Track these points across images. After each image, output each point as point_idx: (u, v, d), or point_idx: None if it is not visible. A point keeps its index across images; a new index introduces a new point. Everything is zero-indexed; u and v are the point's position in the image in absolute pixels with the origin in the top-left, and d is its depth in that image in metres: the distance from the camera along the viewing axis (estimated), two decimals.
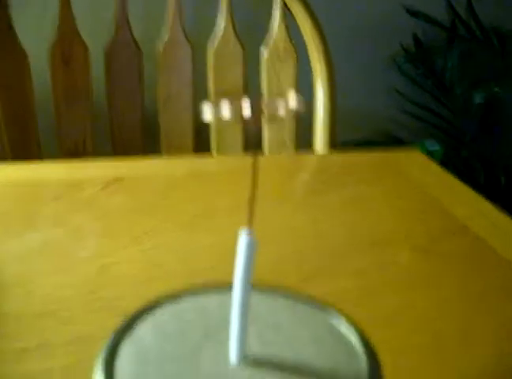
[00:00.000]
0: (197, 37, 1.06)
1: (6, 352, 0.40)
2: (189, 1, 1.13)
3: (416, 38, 1.65)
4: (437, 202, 0.66)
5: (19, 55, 0.96)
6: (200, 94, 1.03)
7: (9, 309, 0.44)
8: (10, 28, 0.95)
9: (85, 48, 1.00)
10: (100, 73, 1.03)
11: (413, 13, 1.63)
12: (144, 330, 0.24)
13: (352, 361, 0.23)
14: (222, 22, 1.02)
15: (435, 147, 1.58)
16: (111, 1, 1.00)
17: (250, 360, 0.23)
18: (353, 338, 0.24)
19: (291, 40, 1.04)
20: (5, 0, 0.93)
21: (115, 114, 1.05)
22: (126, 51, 1.03)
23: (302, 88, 1.01)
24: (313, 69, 1.00)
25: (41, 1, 1.07)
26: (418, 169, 0.76)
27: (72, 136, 1.02)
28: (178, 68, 1.06)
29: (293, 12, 1.03)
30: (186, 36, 1.04)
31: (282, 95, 1.05)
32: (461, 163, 1.60)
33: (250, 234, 0.22)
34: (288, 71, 1.05)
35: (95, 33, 1.00)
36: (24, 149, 0.98)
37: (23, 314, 0.44)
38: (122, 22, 1.01)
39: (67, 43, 0.99)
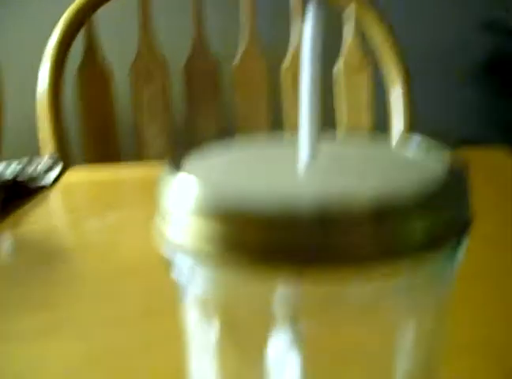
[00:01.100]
0: (272, 53, 1.09)
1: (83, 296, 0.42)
2: (264, 16, 1.16)
3: (494, 51, 1.62)
4: None
5: (102, 72, 1.01)
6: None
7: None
8: (95, 45, 1.00)
9: (165, 63, 1.05)
10: (179, 89, 1.07)
11: (490, 27, 1.60)
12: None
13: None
14: (295, 39, 1.04)
15: None
16: (188, 17, 1.05)
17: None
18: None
19: (365, 53, 1.04)
20: (91, 20, 0.98)
21: (193, 128, 1.08)
22: (203, 66, 1.07)
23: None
24: (388, 81, 1.00)
25: (122, 19, 1.12)
26: None
27: (152, 152, 1.06)
28: (253, 84, 1.08)
29: (367, 24, 1.04)
30: (262, 53, 1.07)
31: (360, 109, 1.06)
32: None
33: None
34: (363, 84, 1.05)
35: (174, 49, 1.04)
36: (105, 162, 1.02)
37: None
38: (200, 37, 1.05)
39: (147, 59, 1.04)
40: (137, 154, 1.05)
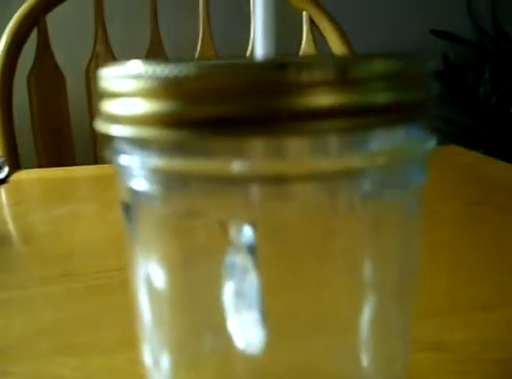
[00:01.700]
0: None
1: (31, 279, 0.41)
2: (219, 21, 1.16)
3: (445, 58, 1.66)
4: None
5: (56, 74, 0.99)
6: None
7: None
8: (48, 47, 0.98)
9: None
10: None
11: (440, 34, 1.64)
12: None
13: None
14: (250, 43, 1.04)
15: None
16: (146, 22, 1.04)
17: None
18: None
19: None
20: (44, 21, 0.96)
21: None
22: None
23: None
24: None
25: (78, 22, 1.11)
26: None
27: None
28: None
29: (321, 28, 1.04)
30: (216, 56, 1.06)
31: None
32: None
33: None
34: None
35: (130, 51, 1.02)
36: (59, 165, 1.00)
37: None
38: (155, 40, 1.04)
39: (102, 62, 1.02)
40: (93, 159, 1.03)
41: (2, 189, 0.70)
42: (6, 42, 0.93)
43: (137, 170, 0.16)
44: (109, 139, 0.17)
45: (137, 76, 0.15)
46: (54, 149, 1.01)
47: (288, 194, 0.15)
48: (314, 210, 0.16)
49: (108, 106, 0.16)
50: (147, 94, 0.15)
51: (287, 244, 0.18)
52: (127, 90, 0.15)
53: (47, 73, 0.99)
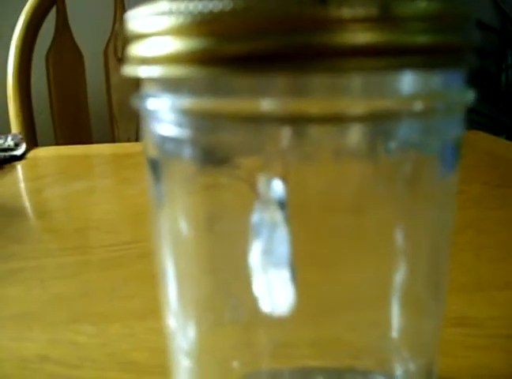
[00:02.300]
0: None
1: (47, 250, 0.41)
2: None
3: None
4: None
5: (74, 53, 0.99)
6: None
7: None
8: (67, 27, 0.98)
9: None
10: None
11: None
12: None
13: None
14: None
15: None
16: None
17: None
18: None
19: None
20: (63, 0, 0.96)
21: None
22: None
23: None
24: None
25: (96, 1, 1.11)
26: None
27: (124, 137, 1.04)
28: None
29: None
30: None
31: None
32: None
33: None
34: None
35: None
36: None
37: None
38: None
39: (120, 41, 1.02)
40: (110, 138, 1.03)
41: (19, 165, 0.70)
42: (25, 21, 0.92)
43: (167, 115, 0.15)
44: (137, 85, 0.17)
45: (168, 13, 0.14)
46: (72, 128, 1.01)
47: (320, 136, 0.15)
48: (346, 155, 0.15)
49: (137, 49, 0.16)
50: (178, 31, 0.14)
51: (317, 196, 0.17)
52: (157, 29, 0.15)
53: (66, 52, 0.99)
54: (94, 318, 0.31)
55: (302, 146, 0.15)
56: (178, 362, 0.21)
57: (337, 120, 0.14)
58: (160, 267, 0.20)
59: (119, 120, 1.04)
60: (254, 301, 0.19)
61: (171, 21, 0.14)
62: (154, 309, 0.30)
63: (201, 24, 0.14)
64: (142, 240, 0.42)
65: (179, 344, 0.21)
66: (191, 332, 0.21)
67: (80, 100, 1.00)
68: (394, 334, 0.21)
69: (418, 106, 0.14)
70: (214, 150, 0.15)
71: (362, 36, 0.13)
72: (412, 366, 0.21)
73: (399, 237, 0.18)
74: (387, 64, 0.13)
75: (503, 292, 0.33)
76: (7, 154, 0.73)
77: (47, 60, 0.97)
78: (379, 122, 0.14)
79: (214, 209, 0.19)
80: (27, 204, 0.55)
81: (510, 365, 0.26)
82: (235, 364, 0.21)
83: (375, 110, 0.14)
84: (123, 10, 1.01)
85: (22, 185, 0.63)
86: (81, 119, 1.01)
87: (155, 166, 0.18)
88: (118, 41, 1.02)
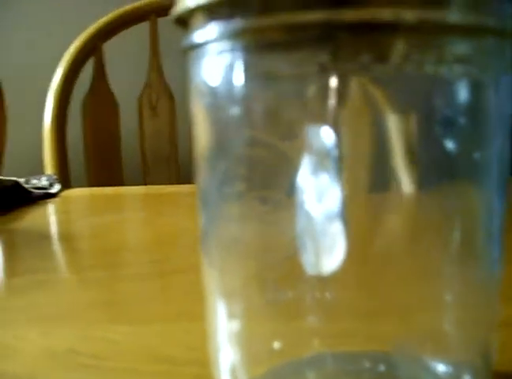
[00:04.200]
0: None
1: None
2: None
3: None
4: None
5: (110, 101, 1.01)
6: None
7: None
8: (103, 75, 1.00)
9: (172, 97, 1.04)
10: (184, 123, 1.06)
11: None
12: None
13: None
14: None
15: None
16: None
17: None
18: None
19: None
20: (101, 49, 0.99)
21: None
22: None
23: None
24: None
25: (133, 51, 1.14)
26: None
27: (156, 181, 1.04)
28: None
29: None
30: None
31: None
32: None
33: None
34: None
35: (180, 82, 1.04)
36: None
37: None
38: None
39: (155, 92, 1.04)
40: (141, 183, 1.04)
41: (53, 201, 0.70)
42: (65, 68, 0.95)
43: (216, 46, 0.15)
44: (185, 27, 0.17)
45: None
46: (105, 174, 1.02)
47: (370, 47, 0.14)
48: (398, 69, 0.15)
49: None
50: None
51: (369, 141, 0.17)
52: None
53: (101, 100, 1.01)
54: (129, 319, 0.30)
55: (351, 58, 0.14)
56: (219, 347, 0.20)
57: (391, 27, 0.13)
58: (205, 250, 0.20)
59: (151, 167, 1.05)
60: (300, 280, 0.18)
61: None
62: (190, 312, 0.29)
63: None
64: (175, 257, 0.41)
65: (222, 327, 0.20)
66: (235, 315, 0.20)
67: (113, 147, 1.02)
68: (448, 319, 0.20)
69: (469, 20, 0.14)
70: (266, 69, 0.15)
71: None
72: (467, 354, 0.20)
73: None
74: None
75: None
76: (42, 191, 0.73)
77: (83, 106, 0.99)
78: (432, 34, 0.14)
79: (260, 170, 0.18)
80: (58, 230, 0.55)
81: None
82: (279, 346, 0.20)
83: (427, 20, 0.13)
84: (158, 61, 1.03)
85: (55, 216, 0.63)
86: (114, 165, 1.02)
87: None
88: (152, 90, 1.04)
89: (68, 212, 0.66)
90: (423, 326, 0.19)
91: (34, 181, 0.79)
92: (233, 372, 0.20)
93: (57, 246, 0.47)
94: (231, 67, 0.15)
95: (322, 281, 0.18)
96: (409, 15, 0.13)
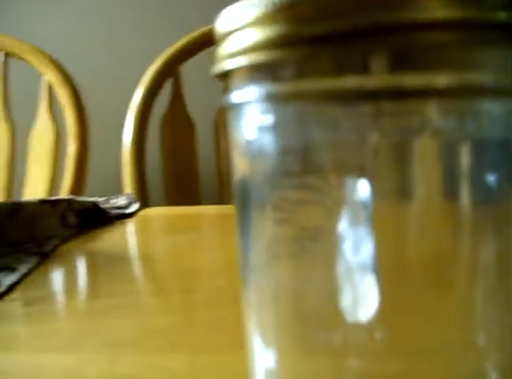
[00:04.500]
0: None
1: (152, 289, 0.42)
2: None
3: None
4: None
5: (187, 122, 1.04)
6: None
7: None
8: (180, 97, 1.04)
9: None
10: None
11: None
12: None
13: None
14: None
15: None
16: None
17: None
18: None
19: None
20: (178, 71, 1.02)
21: None
22: None
23: None
24: None
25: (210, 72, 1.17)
26: None
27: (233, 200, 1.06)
28: None
29: None
30: None
31: None
32: None
33: None
34: None
35: None
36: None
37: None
38: None
39: None
40: (218, 202, 1.06)
41: (130, 221, 0.73)
42: (145, 90, 0.99)
43: (254, 107, 0.16)
44: (227, 83, 0.18)
45: (251, 6, 0.15)
46: (182, 193, 1.05)
47: (408, 114, 0.15)
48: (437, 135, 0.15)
49: (224, 46, 0.16)
50: (262, 21, 0.15)
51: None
52: (241, 23, 0.15)
53: (179, 120, 1.04)
54: (188, 348, 0.31)
55: (391, 126, 0.15)
56: None
57: (428, 94, 0.14)
58: (247, 298, 0.20)
59: (227, 186, 1.07)
60: (342, 328, 0.19)
61: (253, 13, 0.15)
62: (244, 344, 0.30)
63: (282, 11, 0.14)
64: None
65: (259, 364, 0.21)
66: (275, 362, 0.20)
67: (191, 166, 1.05)
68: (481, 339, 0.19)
69: (501, 80, 0.14)
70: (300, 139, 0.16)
71: (440, 12, 0.13)
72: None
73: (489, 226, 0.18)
74: (465, 38, 0.13)
75: None
76: (119, 211, 0.76)
77: (161, 127, 1.02)
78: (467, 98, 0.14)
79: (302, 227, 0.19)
80: (134, 251, 0.58)
81: None
82: None
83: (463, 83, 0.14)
84: None
85: (131, 236, 0.66)
86: (191, 185, 1.05)
87: (243, 189, 0.19)
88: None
89: (142, 232, 0.69)
90: (463, 368, 0.19)
91: (113, 201, 0.82)
92: None
93: (131, 269, 0.49)
94: (270, 127, 0.16)
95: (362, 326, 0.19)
96: (442, 79, 0.14)
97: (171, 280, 0.46)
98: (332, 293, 0.18)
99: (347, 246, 0.18)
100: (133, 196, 0.85)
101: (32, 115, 1.08)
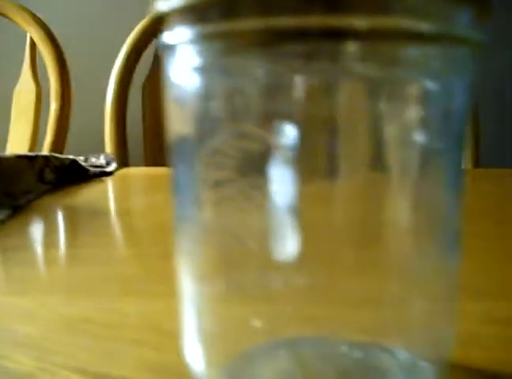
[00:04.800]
0: None
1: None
2: None
3: None
4: None
5: None
6: None
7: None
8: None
9: None
10: None
11: None
12: None
13: None
14: None
15: None
16: None
17: None
18: None
19: None
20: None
21: None
22: None
23: None
24: None
25: None
26: None
27: None
28: None
29: None
30: None
31: None
32: None
33: None
34: None
35: None
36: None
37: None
38: None
39: None
40: None
41: (108, 179, 0.74)
42: (126, 51, 0.98)
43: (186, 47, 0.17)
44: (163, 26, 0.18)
45: None
46: (162, 154, 1.05)
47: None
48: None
49: None
50: None
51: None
52: None
53: (161, 83, 1.04)
54: (142, 293, 0.32)
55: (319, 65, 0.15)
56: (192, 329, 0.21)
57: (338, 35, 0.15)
58: (179, 235, 0.21)
59: None
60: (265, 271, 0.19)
61: None
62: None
63: None
64: None
65: (195, 309, 0.21)
66: (208, 297, 0.21)
67: None
68: (410, 309, 0.20)
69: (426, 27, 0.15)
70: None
71: None
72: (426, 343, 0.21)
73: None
74: None
75: None
76: (98, 169, 0.77)
77: (143, 88, 1.02)
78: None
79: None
80: (108, 206, 0.59)
81: None
82: (253, 329, 0.21)
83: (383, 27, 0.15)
84: None
85: (108, 193, 0.67)
86: None
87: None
88: None
89: (122, 189, 0.69)
90: (388, 315, 0.20)
91: (93, 160, 0.83)
92: (207, 354, 0.21)
93: (107, 222, 0.50)
94: (201, 69, 0.17)
95: (294, 267, 0.20)
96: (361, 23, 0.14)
97: (144, 234, 0.47)
98: (257, 235, 0.19)
99: (273, 190, 0.18)
100: (112, 156, 0.85)
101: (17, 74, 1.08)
